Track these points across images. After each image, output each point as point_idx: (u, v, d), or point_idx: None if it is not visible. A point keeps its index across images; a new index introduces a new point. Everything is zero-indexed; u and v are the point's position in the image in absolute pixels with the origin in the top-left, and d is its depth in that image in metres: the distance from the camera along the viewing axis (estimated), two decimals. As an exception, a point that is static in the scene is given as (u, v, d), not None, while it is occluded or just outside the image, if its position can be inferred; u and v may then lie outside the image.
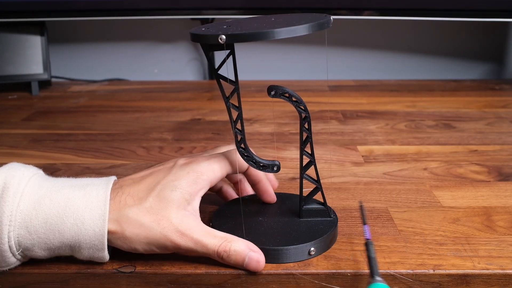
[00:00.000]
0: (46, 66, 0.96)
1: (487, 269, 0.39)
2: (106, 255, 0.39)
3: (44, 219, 0.37)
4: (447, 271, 0.39)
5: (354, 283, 0.39)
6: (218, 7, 0.89)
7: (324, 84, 1.03)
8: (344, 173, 0.58)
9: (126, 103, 0.91)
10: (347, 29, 1.08)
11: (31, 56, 0.95)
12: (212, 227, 0.42)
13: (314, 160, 0.43)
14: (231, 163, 0.43)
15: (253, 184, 0.46)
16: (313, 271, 0.39)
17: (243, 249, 0.39)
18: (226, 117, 0.79)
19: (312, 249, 0.41)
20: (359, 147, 0.66)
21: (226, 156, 0.43)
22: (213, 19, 1.01)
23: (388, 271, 0.39)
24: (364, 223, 0.41)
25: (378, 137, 0.70)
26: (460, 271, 0.39)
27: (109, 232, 0.38)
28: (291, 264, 0.40)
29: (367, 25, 1.08)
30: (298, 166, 0.44)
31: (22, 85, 0.98)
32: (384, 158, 0.62)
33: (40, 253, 0.38)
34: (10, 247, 0.37)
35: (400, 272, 0.39)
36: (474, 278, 0.39)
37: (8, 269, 0.39)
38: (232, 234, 0.41)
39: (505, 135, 0.70)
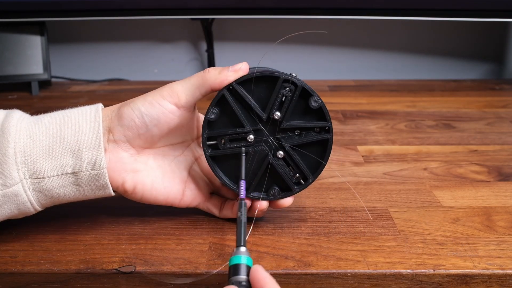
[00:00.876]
0: (46, 66, 0.96)
1: (487, 269, 0.39)
2: (103, 157, 0.40)
3: (46, 128, 0.40)
4: (447, 271, 0.39)
5: (354, 283, 0.39)
6: (218, 7, 0.89)
7: (324, 84, 1.03)
8: (344, 173, 0.58)
9: (126, 103, 0.91)
10: (347, 29, 1.08)
11: (31, 56, 0.95)
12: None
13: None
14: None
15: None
16: (313, 271, 0.39)
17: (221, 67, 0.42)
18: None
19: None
20: (359, 147, 0.66)
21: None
22: (213, 19, 1.01)
23: (388, 271, 0.39)
24: (242, 178, 0.36)
25: (378, 137, 0.70)
26: (460, 271, 0.39)
27: (112, 120, 0.41)
28: (291, 264, 0.40)
29: (367, 25, 1.08)
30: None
31: (22, 85, 0.98)
32: (384, 158, 0.62)
33: (45, 166, 0.39)
34: (15, 153, 0.38)
35: (400, 272, 0.39)
36: (474, 278, 0.39)
37: (11, 192, 0.38)
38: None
39: (505, 135, 0.70)
